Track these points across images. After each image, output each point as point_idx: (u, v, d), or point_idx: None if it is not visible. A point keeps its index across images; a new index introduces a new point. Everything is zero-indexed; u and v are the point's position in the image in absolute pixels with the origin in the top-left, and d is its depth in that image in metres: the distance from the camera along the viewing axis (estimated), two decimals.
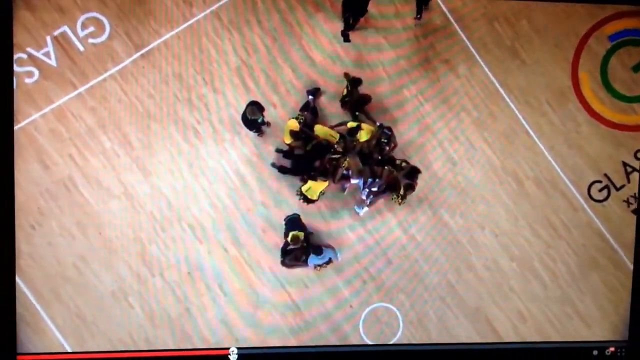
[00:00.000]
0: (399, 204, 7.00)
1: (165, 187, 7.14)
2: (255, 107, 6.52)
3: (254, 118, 6.56)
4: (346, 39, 7.25)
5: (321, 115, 7.31)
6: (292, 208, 7.26)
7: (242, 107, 6.94)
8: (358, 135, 6.76)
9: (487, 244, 7.57)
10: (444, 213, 7.51)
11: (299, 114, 6.98)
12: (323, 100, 7.35)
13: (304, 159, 6.83)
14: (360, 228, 7.38)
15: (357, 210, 7.24)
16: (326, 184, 6.63)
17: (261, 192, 7.26)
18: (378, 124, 7.05)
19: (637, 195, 7.64)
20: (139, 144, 7.09)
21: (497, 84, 7.55)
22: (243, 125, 6.94)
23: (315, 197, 6.70)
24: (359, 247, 7.36)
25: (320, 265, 6.96)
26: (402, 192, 6.79)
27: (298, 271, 7.22)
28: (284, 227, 7.03)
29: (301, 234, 6.67)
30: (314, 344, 7.24)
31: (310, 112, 7.11)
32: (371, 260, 7.40)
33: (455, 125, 7.56)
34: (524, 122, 7.61)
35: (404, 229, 7.45)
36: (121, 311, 7.06)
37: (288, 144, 6.83)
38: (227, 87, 7.17)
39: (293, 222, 6.91)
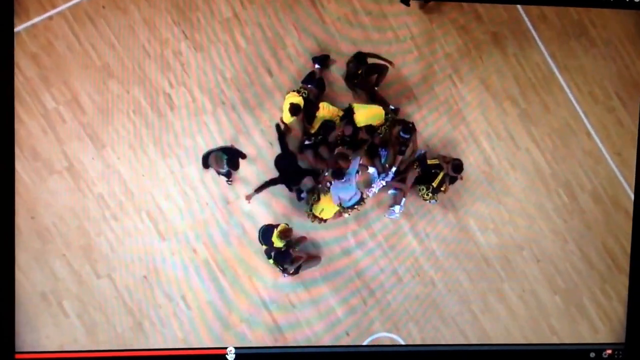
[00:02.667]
0: (427, 200, 6.72)
1: (122, 165, 6.64)
2: (220, 155, 6.17)
3: (219, 170, 6.36)
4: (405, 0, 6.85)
5: (329, 89, 6.83)
6: (283, 205, 6.79)
7: (231, 70, 6.60)
8: (355, 119, 6.45)
9: (525, 270, 7.12)
10: (473, 226, 7.04)
11: (301, 87, 6.53)
12: (333, 70, 6.90)
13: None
14: (365, 235, 6.88)
15: (390, 216, 6.94)
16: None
17: (245, 182, 6.77)
18: (392, 107, 6.78)
19: None
20: (92, 106, 6.57)
21: (554, 68, 7.15)
22: (225, 103, 6.67)
23: (329, 217, 6.50)
24: (361, 259, 6.91)
25: (346, 209, 6.44)
26: (435, 184, 6.57)
27: (284, 286, 6.75)
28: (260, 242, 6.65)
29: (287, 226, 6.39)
30: (312, 344, 6.92)
31: (315, 85, 6.60)
32: (376, 277, 6.96)
33: (496, 117, 7.10)
34: (584, 119, 7.20)
35: (421, 240, 6.97)
36: (52, 318, 6.53)
37: (286, 123, 6.44)
38: (212, 44, 6.71)
39: (265, 233, 6.50)
